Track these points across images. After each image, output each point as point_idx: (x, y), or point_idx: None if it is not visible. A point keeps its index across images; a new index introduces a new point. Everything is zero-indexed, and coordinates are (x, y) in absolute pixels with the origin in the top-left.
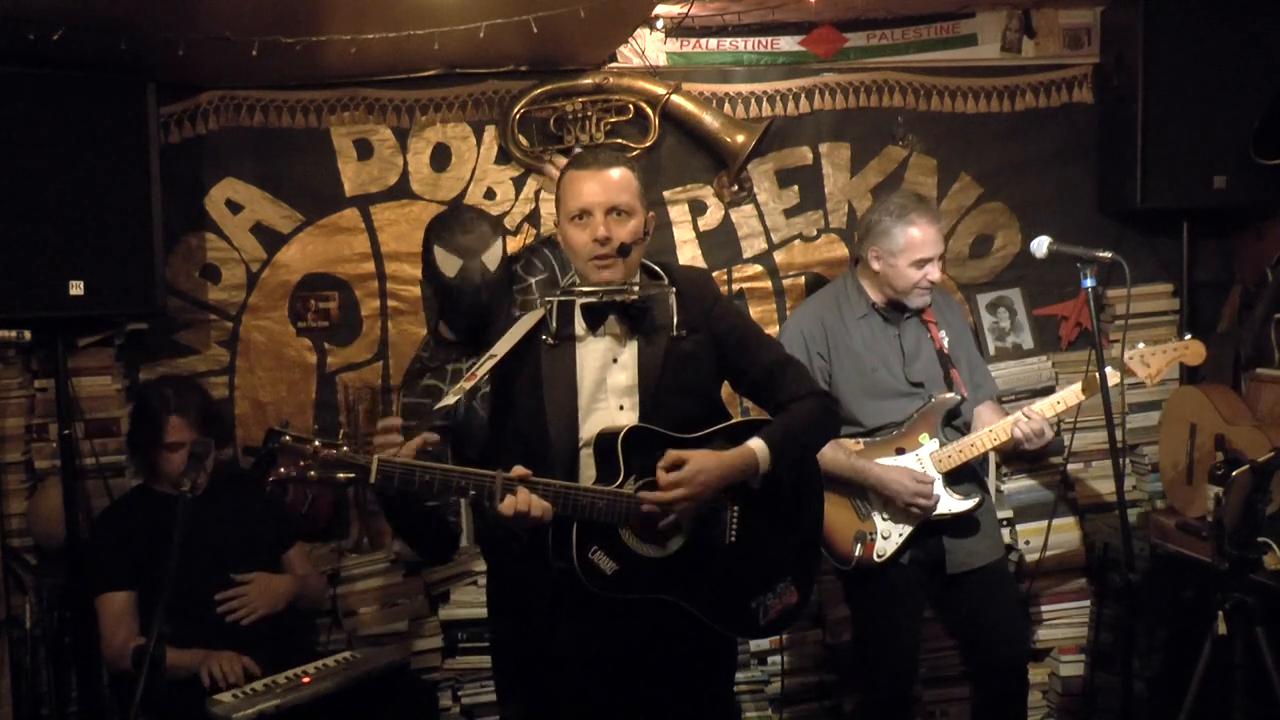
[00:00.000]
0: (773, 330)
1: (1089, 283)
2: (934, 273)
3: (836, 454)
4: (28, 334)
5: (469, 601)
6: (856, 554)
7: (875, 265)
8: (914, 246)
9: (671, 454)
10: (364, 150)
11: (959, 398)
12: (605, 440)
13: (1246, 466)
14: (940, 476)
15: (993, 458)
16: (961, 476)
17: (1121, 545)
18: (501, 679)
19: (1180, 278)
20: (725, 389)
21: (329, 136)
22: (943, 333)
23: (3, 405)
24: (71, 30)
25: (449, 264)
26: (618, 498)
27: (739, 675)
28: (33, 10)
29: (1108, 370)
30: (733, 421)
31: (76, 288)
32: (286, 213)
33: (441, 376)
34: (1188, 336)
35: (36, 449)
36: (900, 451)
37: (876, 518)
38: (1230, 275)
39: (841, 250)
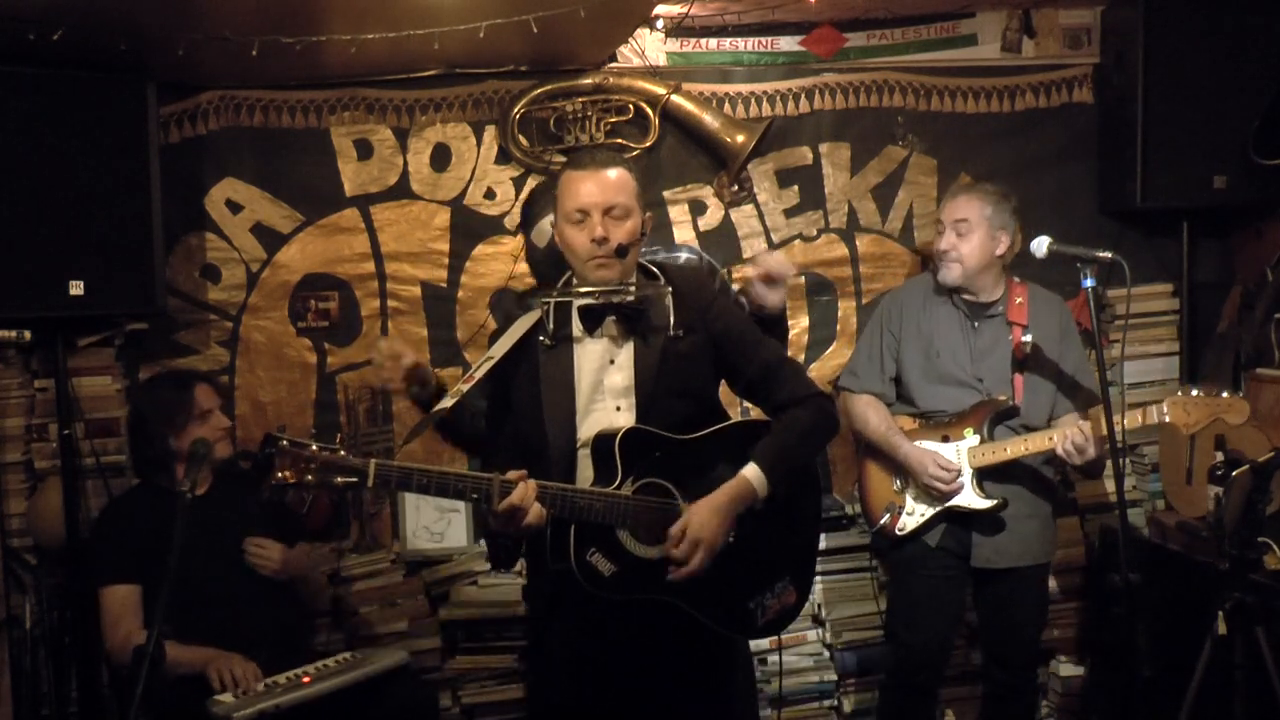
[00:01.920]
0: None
1: (1089, 283)
2: (940, 242)
3: (880, 425)
4: (28, 334)
5: (469, 601)
6: (883, 521)
7: None
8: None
9: (675, 527)
10: (364, 150)
11: (1011, 402)
12: (603, 442)
13: (1246, 466)
14: (972, 471)
15: None
16: (1012, 479)
17: (1121, 545)
18: (532, 675)
19: (1180, 278)
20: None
21: (329, 136)
22: (1027, 337)
23: (3, 405)
24: (71, 30)
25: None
26: (615, 499)
27: None
28: (33, 10)
29: (1143, 410)
30: (730, 422)
31: (76, 288)
32: (286, 213)
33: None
34: (1240, 394)
35: (36, 449)
36: (945, 439)
37: (909, 494)
38: (1230, 275)
39: (841, 250)
